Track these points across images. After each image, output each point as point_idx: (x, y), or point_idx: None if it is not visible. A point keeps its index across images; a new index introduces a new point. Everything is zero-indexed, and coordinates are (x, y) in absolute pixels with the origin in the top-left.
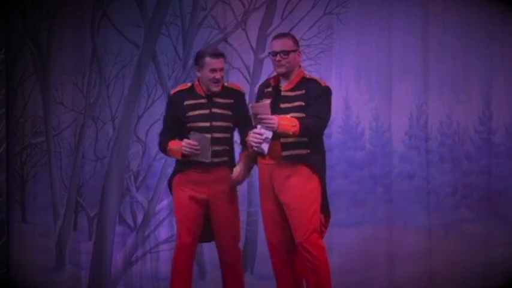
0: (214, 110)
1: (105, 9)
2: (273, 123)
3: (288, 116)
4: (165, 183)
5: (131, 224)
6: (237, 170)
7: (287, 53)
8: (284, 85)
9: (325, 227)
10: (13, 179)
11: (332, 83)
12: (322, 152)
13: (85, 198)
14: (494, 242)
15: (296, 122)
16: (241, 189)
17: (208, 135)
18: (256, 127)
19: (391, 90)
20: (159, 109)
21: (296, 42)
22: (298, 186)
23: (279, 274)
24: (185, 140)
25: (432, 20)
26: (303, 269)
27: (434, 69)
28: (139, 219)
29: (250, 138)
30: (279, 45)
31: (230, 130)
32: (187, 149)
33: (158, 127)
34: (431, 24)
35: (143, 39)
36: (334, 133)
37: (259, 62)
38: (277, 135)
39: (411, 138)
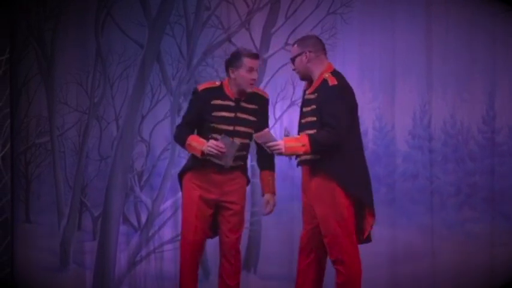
0: (240, 115)
1: (109, 9)
2: (279, 149)
3: (298, 135)
4: (169, 183)
5: (135, 223)
6: (269, 201)
7: (293, 60)
8: (309, 88)
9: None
10: (17, 179)
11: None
12: (345, 158)
13: (89, 198)
14: (497, 242)
15: (306, 141)
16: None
17: (238, 143)
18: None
19: (394, 90)
20: (163, 109)
21: (303, 44)
22: (317, 191)
23: (300, 273)
24: (212, 141)
25: (435, 20)
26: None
27: (437, 69)
28: (144, 219)
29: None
30: (291, 54)
31: (250, 136)
32: (212, 150)
33: (162, 127)
34: (434, 25)
35: (147, 39)
36: None
37: (263, 62)
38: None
39: (414, 138)
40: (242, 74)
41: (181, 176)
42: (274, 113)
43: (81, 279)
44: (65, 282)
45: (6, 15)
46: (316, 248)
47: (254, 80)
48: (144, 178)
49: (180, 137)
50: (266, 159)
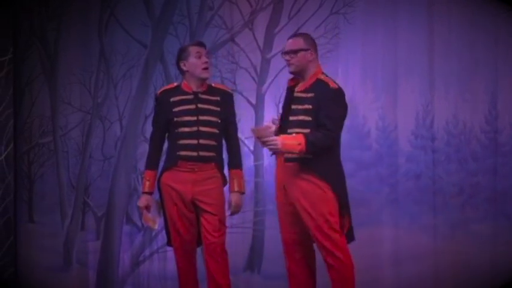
0: (201, 105)
1: (112, 9)
2: (276, 145)
3: (293, 133)
4: None
5: (139, 223)
6: (235, 200)
7: (295, 51)
8: (299, 86)
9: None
10: (20, 179)
11: (338, 82)
12: (331, 158)
13: (92, 198)
14: (500, 242)
15: (302, 140)
16: (248, 188)
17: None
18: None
19: (397, 90)
20: None
21: (308, 41)
22: (307, 189)
23: (292, 275)
24: (146, 198)
25: (437, 20)
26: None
27: (439, 68)
28: None
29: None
30: (289, 45)
31: (218, 126)
32: (140, 206)
33: None
34: (437, 24)
35: (151, 39)
36: None
37: (266, 62)
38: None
39: (417, 138)
40: (192, 62)
41: (159, 180)
42: (277, 113)
43: (85, 279)
44: (68, 282)
45: (8, 15)
46: (301, 246)
47: (206, 63)
48: None
49: (149, 155)
50: (235, 157)
